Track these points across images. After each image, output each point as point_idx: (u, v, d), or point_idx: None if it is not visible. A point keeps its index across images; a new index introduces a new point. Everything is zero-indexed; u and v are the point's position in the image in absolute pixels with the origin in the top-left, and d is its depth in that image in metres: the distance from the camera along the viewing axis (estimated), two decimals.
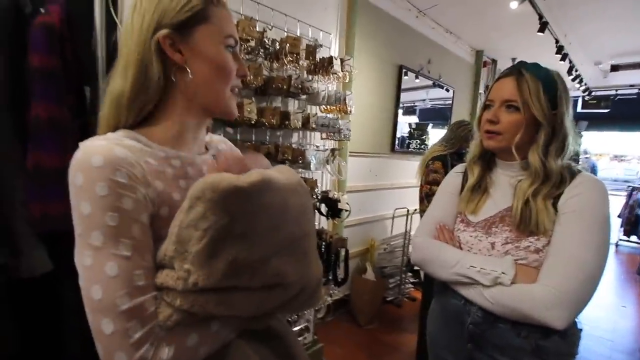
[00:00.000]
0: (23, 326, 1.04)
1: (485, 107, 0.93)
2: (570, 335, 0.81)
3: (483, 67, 4.25)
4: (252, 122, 1.31)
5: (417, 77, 3.25)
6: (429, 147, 3.05)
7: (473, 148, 1.00)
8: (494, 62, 4.46)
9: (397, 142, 3.19)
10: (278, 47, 1.41)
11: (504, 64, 4.51)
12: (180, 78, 0.56)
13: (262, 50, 1.36)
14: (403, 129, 3.41)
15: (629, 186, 5.50)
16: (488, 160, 0.98)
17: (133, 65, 0.54)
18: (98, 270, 0.45)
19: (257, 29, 1.37)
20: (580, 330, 0.86)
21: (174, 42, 0.54)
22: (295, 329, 1.78)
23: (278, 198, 0.53)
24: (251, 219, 0.48)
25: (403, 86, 3.08)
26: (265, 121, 1.37)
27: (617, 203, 5.53)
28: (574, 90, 5.12)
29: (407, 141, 3.43)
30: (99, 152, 0.47)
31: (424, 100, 3.66)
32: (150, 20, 0.53)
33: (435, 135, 3.43)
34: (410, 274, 3.02)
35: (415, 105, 3.61)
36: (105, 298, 0.44)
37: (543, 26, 2.77)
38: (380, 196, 3.04)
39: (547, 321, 0.73)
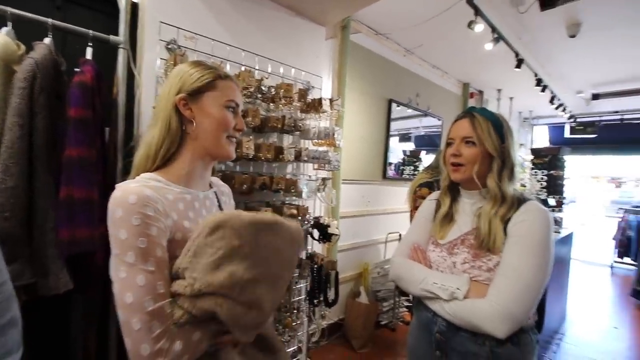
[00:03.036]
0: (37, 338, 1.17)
1: (448, 144, 1.11)
2: (524, 344, 0.92)
3: (470, 98, 4.51)
4: (250, 156, 1.49)
5: (408, 108, 3.49)
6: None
7: (442, 181, 1.16)
8: (481, 92, 4.74)
9: (392, 168, 3.37)
10: (274, 92, 1.62)
11: (490, 94, 4.78)
12: (189, 128, 0.76)
13: (259, 95, 1.56)
14: (399, 156, 3.62)
15: (620, 208, 5.62)
16: (454, 190, 1.14)
17: (162, 120, 0.75)
18: (131, 281, 0.59)
19: (256, 77, 1.59)
20: (537, 340, 0.97)
21: (187, 102, 0.75)
22: (289, 350, 1.87)
23: (278, 240, 0.68)
24: (253, 247, 0.64)
25: (396, 115, 3.30)
26: (262, 155, 1.55)
27: (613, 226, 5.64)
28: (559, 117, 5.37)
29: (401, 167, 3.62)
30: (133, 192, 0.64)
31: (418, 127, 3.88)
32: (174, 88, 0.75)
33: (428, 161, 3.62)
34: (403, 297, 3.06)
35: (410, 133, 3.83)
36: (135, 302, 0.58)
37: (519, 62, 3.03)
38: (373, 221, 3.17)
39: (490, 331, 0.85)
